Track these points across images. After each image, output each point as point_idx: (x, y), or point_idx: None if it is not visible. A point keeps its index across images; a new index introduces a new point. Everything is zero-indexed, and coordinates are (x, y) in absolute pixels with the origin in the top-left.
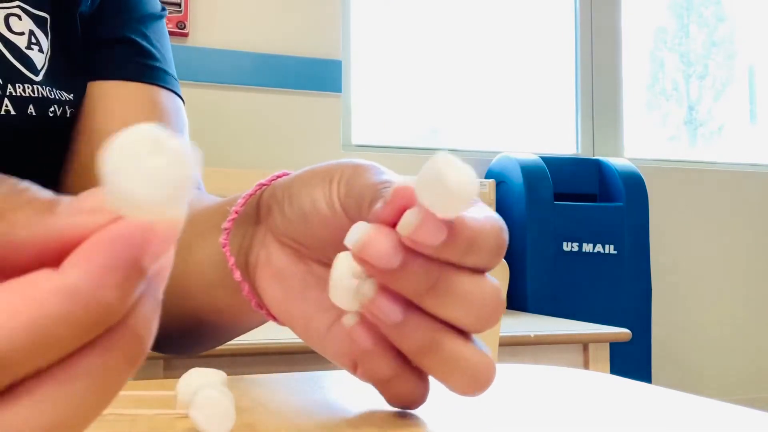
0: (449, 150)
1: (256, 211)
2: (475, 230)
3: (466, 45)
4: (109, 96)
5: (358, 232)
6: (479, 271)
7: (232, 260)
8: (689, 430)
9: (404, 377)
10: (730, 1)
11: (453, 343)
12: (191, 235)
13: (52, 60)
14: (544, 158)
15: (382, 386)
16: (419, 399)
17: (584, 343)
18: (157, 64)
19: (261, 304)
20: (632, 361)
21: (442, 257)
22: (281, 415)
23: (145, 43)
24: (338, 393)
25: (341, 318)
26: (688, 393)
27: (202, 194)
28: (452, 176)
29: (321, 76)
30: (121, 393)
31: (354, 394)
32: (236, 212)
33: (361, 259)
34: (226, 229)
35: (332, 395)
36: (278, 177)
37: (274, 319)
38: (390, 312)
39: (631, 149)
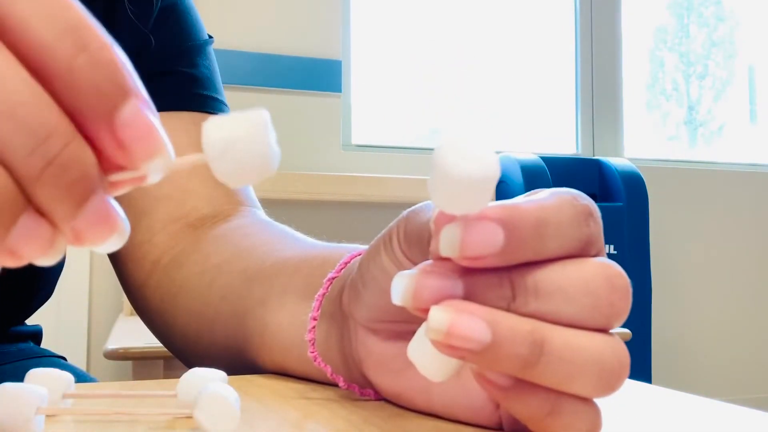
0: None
1: (339, 307)
2: (535, 209)
3: (466, 45)
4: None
5: (401, 284)
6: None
7: (329, 370)
8: (689, 430)
9: (565, 406)
10: (730, 1)
11: (565, 335)
12: (267, 287)
13: None
14: (544, 158)
15: (543, 426)
16: (595, 427)
17: None
18: (207, 92)
19: (366, 392)
20: (632, 361)
21: (517, 259)
22: (282, 415)
23: (194, 72)
24: (339, 393)
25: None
26: (688, 393)
27: (269, 226)
28: (455, 162)
29: (321, 76)
30: (121, 393)
31: (354, 394)
32: (315, 318)
33: (443, 344)
34: (311, 341)
35: (333, 395)
36: (346, 263)
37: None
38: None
39: (631, 149)
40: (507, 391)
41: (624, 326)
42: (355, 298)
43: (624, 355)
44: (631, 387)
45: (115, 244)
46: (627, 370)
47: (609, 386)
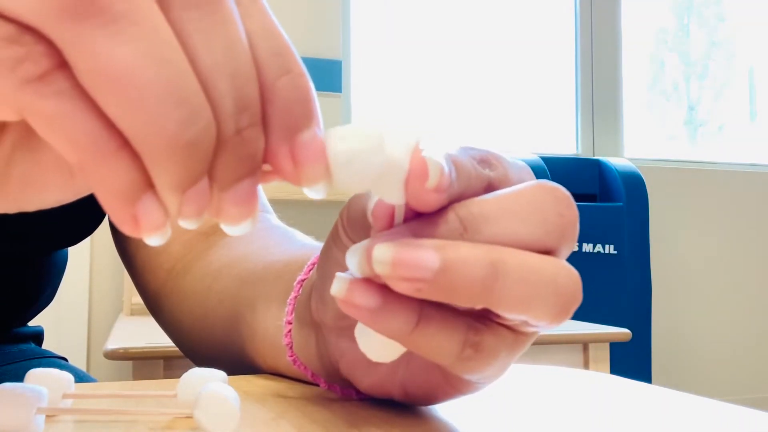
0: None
1: (310, 314)
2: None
3: (466, 45)
4: None
5: (355, 255)
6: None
7: (310, 373)
8: (689, 430)
9: (434, 316)
10: (730, 1)
11: (521, 256)
12: (255, 292)
13: None
14: (544, 158)
15: (412, 340)
16: (462, 345)
17: (584, 343)
18: None
19: (347, 392)
20: (632, 361)
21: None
22: (281, 415)
23: None
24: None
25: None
26: (688, 393)
27: (274, 230)
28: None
29: (321, 76)
30: (121, 393)
31: (336, 393)
32: (289, 322)
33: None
34: (288, 345)
35: (333, 395)
36: (314, 264)
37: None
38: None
39: (631, 149)
40: (376, 312)
41: (624, 326)
42: (321, 302)
43: (577, 278)
44: (631, 387)
45: (245, 228)
46: (580, 294)
47: (564, 309)
